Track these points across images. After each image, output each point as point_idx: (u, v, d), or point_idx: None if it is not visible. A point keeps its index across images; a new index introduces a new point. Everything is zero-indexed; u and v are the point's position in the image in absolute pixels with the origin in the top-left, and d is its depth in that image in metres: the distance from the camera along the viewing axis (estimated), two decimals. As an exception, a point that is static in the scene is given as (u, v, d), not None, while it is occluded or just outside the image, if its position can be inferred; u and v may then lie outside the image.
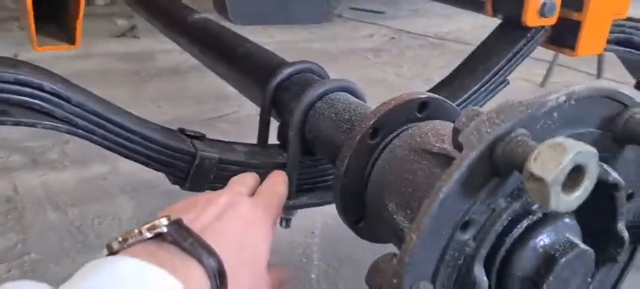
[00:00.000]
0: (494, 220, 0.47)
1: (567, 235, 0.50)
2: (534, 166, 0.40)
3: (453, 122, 0.67)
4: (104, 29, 3.52)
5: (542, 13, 0.94)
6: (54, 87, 0.62)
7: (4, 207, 1.70)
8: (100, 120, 0.65)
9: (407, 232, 0.46)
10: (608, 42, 1.07)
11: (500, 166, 0.45)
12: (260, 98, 0.87)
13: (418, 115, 0.66)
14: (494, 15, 1.03)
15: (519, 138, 0.44)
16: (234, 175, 0.74)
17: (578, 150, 0.39)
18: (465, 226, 0.46)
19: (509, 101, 0.47)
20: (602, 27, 1.04)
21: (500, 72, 0.96)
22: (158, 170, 0.72)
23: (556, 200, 0.40)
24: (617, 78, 3.00)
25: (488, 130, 0.44)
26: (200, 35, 1.10)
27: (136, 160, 0.70)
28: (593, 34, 1.03)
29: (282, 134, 0.85)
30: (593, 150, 0.40)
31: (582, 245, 0.49)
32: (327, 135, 0.75)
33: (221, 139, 0.82)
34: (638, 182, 0.56)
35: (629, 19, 1.08)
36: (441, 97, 0.68)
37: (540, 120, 0.46)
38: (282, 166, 0.80)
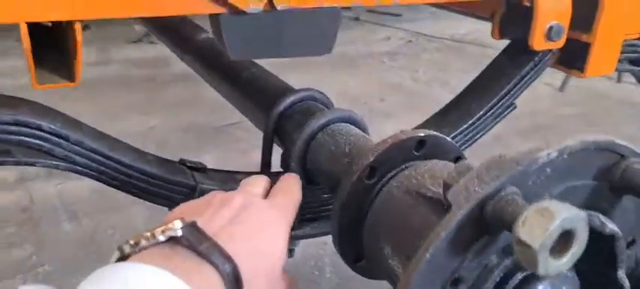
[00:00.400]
0: (485, 277, 0.46)
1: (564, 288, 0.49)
2: (522, 232, 0.39)
3: (453, 160, 0.67)
4: (122, 34, 3.57)
5: (549, 37, 0.92)
6: (52, 126, 0.62)
7: (20, 217, 1.73)
8: (99, 157, 0.66)
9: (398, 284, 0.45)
10: (620, 61, 1.05)
11: (490, 225, 0.44)
12: (263, 124, 0.87)
13: (415, 153, 0.65)
14: (501, 37, 1.02)
15: (509, 197, 0.43)
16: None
17: (565, 216, 0.38)
18: (455, 283, 0.45)
19: (497, 156, 0.46)
20: (612, 47, 1.02)
21: (507, 97, 0.95)
22: (158, 204, 0.72)
23: (544, 265, 0.39)
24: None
25: (477, 189, 0.43)
26: (206, 56, 1.11)
27: (135, 195, 0.70)
28: (603, 54, 1.01)
29: (285, 162, 0.85)
30: (582, 214, 0.39)
31: (578, 301, 0.48)
32: (327, 167, 0.75)
33: (222, 169, 0.82)
34: (637, 228, 0.54)
35: (643, 37, 1.06)
36: (438, 134, 0.67)
37: (532, 176, 0.45)
38: None
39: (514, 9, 0.98)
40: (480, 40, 4.02)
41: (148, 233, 0.48)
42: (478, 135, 0.94)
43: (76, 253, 1.59)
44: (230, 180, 0.79)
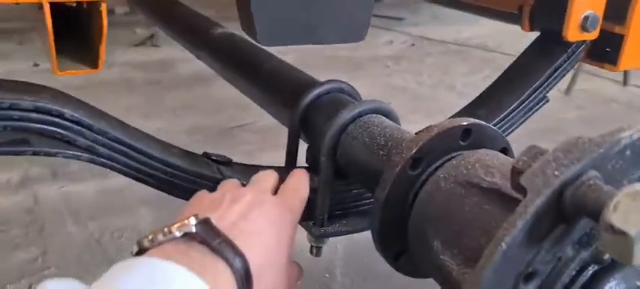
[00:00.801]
0: (560, 270, 0.42)
1: (638, 283, 0.45)
2: (614, 217, 0.35)
3: (500, 150, 0.64)
4: (124, 38, 3.52)
5: (584, 28, 0.89)
6: (75, 114, 0.58)
7: (25, 219, 1.68)
8: (124, 148, 0.62)
9: (462, 281, 0.41)
10: (651, 55, 1.01)
11: (568, 212, 0.40)
12: (287, 118, 0.83)
13: (462, 143, 0.61)
14: (532, 29, 0.98)
15: (591, 182, 0.39)
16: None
17: (665, 201, 0.34)
18: (528, 278, 0.41)
19: (575, 138, 0.42)
20: (646, 40, 0.99)
21: (540, 89, 0.91)
22: (183, 198, 0.68)
23: (638, 255, 0.35)
24: (646, 86, 2.92)
25: (556, 172, 0.40)
26: (223, 50, 1.07)
27: (160, 188, 0.66)
28: (637, 47, 0.98)
29: (311, 156, 0.81)
30: (681, 199, 0.35)
31: (657, 297, 0.44)
32: (361, 161, 0.71)
33: (248, 163, 0.78)
34: None
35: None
36: (484, 123, 0.63)
37: (612, 159, 0.41)
38: (312, 190, 0.76)
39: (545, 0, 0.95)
40: (484, 44, 4.00)
41: (165, 229, 0.50)
42: (510, 130, 0.90)
43: (81, 256, 1.54)
44: (254, 173, 0.75)
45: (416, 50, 3.92)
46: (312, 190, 0.74)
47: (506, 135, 0.93)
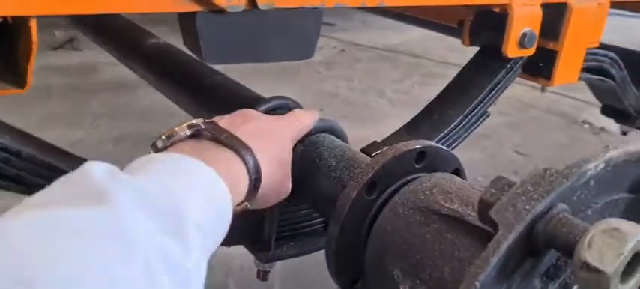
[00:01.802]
0: (529, 303, 0.42)
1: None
2: (589, 255, 0.35)
3: (453, 171, 0.63)
4: (41, 40, 3.32)
5: (522, 44, 0.91)
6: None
7: None
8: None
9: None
10: (582, 70, 1.06)
11: (539, 246, 0.40)
12: (231, 136, 0.80)
13: (416, 166, 0.60)
14: (472, 44, 1.00)
15: (561, 216, 0.39)
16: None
17: (639, 237, 0.34)
18: (498, 312, 0.41)
19: (542, 170, 0.42)
20: (577, 56, 1.03)
21: (481, 105, 0.92)
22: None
23: (613, 291, 0.35)
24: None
25: (527, 206, 0.39)
26: (159, 62, 1.01)
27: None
28: (569, 63, 1.02)
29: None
30: (652, 234, 0.36)
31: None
32: (312, 183, 0.68)
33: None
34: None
35: (602, 45, 1.07)
36: (438, 145, 0.63)
37: (577, 190, 0.41)
38: (259, 213, 0.73)
39: (485, 16, 0.97)
40: (412, 50, 4.09)
41: (176, 129, 0.55)
42: (453, 145, 0.91)
43: None
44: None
45: (346, 56, 3.95)
46: (259, 212, 0.72)
47: (451, 149, 0.94)
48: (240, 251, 0.81)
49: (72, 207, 0.37)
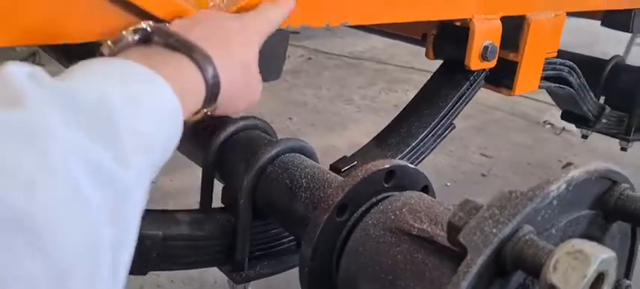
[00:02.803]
0: (498, 324, 0.43)
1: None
2: (555, 277, 0.36)
3: (421, 189, 0.64)
4: (1, 56, 3.24)
5: (484, 57, 0.94)
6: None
7: None
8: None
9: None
10: (542, 79, 1.09)
11: (507, 268, 0.41)
12: (201, 158, 0.79)
13: (385, 185, 0.61)
14: (436, 57, 1.02)
15: (527, 238, 0.40)
16: (179, 250, 0.71)
17: (601, 259, 0.36)
18: (469, 334, 0.42)
19: (507, 192, 0.43)
20: (536, 66, 1.06)
21: (447, 117, 0.94)
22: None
23: (578, 312, 0.36)
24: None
25: (494, 230, 0.40)
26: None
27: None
28: (529, 72, 1.04)
29: (228, 197, 0.78)
30: (613, 254, 0.37)
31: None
32: (283, 204, 0.69)
33: (157, 209, 0.73)
34: (619, 251, 0.54)
35: (561, 53, 1.11)
36: (406, 163, 0.64)
37: (542, 211, 0.43)
38: (231, 233, 0.73)
39: (447, 30, 0.99)
40: (378, 57, 4.13)
41: (124, 32, 0.51)
42: (421, 158, 0.92)
43: None
44: (171, 222, 0.71)
45: (313, 64, 3.97)
46: (231, 233, 0.71)
47: (418, 163, 0.96)
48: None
49: None
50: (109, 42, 0.51)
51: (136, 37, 0.51)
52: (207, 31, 0.55)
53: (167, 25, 0.55)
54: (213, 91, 0.52)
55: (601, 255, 0.36)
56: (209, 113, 0.54)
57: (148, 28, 0.51)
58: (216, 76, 0.52)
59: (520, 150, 2.85)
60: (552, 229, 0.44)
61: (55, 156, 0.33)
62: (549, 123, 3.18)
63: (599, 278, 0.37)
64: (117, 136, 0.38)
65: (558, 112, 1.43)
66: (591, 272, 0.35)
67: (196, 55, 0.50)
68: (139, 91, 0.42)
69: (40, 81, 0.36)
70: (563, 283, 0.36)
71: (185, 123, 0.48)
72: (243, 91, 0.59)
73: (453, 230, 0.43)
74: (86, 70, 0.42)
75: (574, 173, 0.44)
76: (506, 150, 2.83)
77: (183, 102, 0.46)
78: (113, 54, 0.50)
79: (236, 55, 0.56)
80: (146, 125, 0.41)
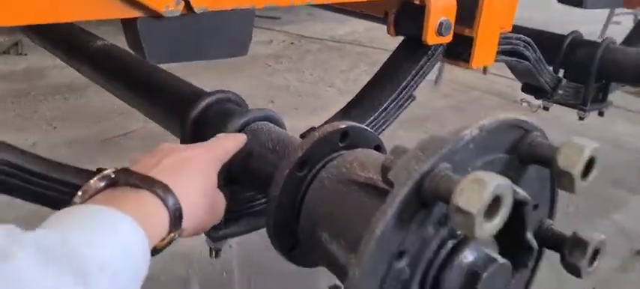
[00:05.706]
0: (424, 247, 0.51)
1: (486, 251, 0.55)
2: (460, 200, 0.44)
3: (374, 148, 0.72)
4: (-17, 47, 3.28)
5: (440, 32, 1.01)
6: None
7: None
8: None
9: (348, 266, 0.49)
10: (498, 53, 1.17)
11: (427, 199, 0.49)
12: (178, 130, 0.87)
13: (341, 144, 0.69)
14: (397, 34, 1.10)
15: (443, 173, 0.48)
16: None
17: (496, 183, 0.44)
18: (399, 256, 0.50)
19: (430, 136, 0.51)
20: (491, 40, 1.14)
21: (407, 89, 1.02)
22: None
23: (480, 229, 0.45)
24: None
25: (416, 167, 0.48)
26: (107, 64, 1.07)
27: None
28: (485, 47, 1.12)
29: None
30: (508, 182, 0.45)
31: (501, 260, 0.55)
32: (252, 167, 0.76)
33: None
34: (540, 194, 0.63)
35: (517, 28, 1.19)
36: (359, 125, 0.72)
37: (458, 152, 0.51)
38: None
39: (406, 8, 1.06)
40: (359, 41, 4.20)
41: (91, 182, 0.56)
42: (385, 126, 1.00)
43: None
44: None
45: (296, 48, 4.02)
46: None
47: (382, 131, 1.04)
48: (200, 242, 0.87)
49: None
50: (79, 193, 0.56)
51: (102, 184, 0.56)
52: (167, 163, 0.61)
53: (129, 167, 0.60)
54: (176, 217, 0.57)
55: (496, 181, 0.44)
56: (178, 236, 0.59)
57: (112, 174, 0.57)
58: (176, 204, 0.57)
59: (496, 127, 2.93)
60: (469, 168, 0.52)
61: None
62: (526, 101, 3.28)
63: (497, 200, 0.45)
64: (84, 270, 0.44)
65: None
66: (487, 195, 0.43)
67: (156, 188, 0.56)
68: (102, 227, 0.49)
69: (17, 237, 0.44)
70: (466, 204, 0.44)
71: (156, 248, 0.55)
72: (206, 211, 0.64)
73: (385, 170, 0.51)
74: (57, 218, 0.49)
75: (486, 121, 0.52)
76: (483, 127, 2.91)
77: (147, 231, 0.51)
78: (83, 201, 0.55)
79: (196, 181, 0.62)
80: (110, 255, 0.47)
